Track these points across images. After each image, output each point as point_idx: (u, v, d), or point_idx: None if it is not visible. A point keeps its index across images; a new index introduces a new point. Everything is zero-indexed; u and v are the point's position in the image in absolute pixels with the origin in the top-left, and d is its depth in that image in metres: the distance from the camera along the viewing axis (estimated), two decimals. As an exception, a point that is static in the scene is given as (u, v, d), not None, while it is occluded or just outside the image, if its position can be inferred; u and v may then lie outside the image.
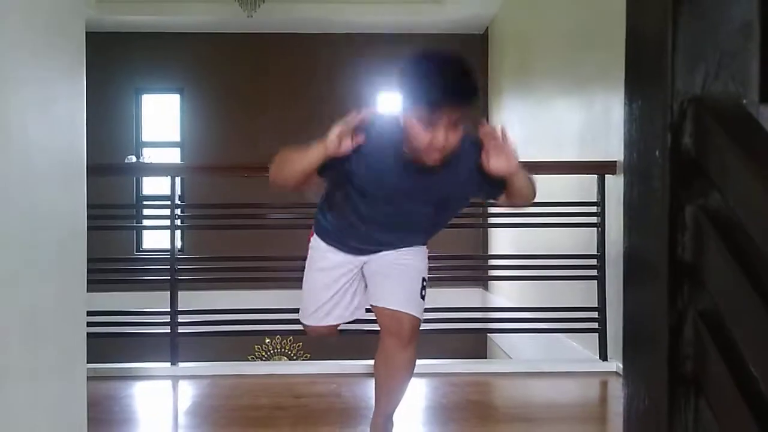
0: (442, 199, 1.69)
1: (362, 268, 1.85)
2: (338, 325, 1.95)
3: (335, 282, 1.84)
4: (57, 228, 1.40)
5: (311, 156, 1.55)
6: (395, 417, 1.95)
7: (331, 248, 1.82)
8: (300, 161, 1.58)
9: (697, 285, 0.53)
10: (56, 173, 1.39)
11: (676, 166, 0.54)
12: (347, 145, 1.53)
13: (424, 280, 1.80)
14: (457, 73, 1.46)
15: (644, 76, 0.60)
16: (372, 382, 2.56)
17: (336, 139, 1.51)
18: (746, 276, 0.48)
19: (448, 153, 1.52)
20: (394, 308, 1.74)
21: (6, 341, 1.20)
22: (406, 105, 1.49)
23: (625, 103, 0.63)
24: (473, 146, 1.58)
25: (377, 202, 1.66)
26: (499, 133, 1.53)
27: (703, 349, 0.53)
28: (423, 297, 1.79)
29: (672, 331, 0.53)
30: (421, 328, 2.85)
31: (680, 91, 0.55)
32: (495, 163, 1.54)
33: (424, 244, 1.86)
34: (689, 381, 0.54)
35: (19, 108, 1.24)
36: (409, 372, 1.81)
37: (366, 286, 1.87)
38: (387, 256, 1.79)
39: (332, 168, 1.59)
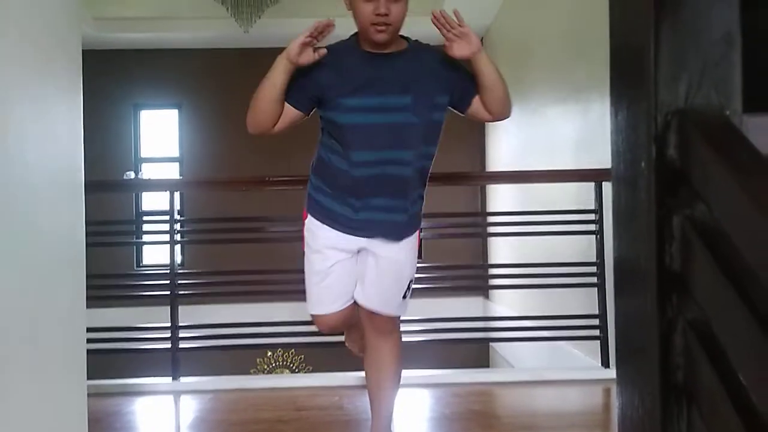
0: (414, 86, 1.68)
1: (357, 260, 1.79)
2: (347, 315, 1.85)
3: (333, 263, 1.75)
4: (56, 244, 1.40)
5: (276, 72, 1.60)
6: (396, 428, 1.94)
7: (324, 226, 1.75)
8: (267, 83, 1.61)
9: (686, 294, 0.54)
10: (54, 190, 1.40)
11: (662, 177, 0.54)
12: (309, 55, 1.59)
13: (411, 281, 1.82)
14: None
15: (628, 87, 0.60)
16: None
17: (297, 47, 1.56)
18: (733, 286, 0.49)
19: (395, 29, 1.63)
20: (376, 310, 1.78)
21: (6, 359, 1.20)
22: None
23: (611, 114, 0.63)
24: (430, 49, 1.73)
25: (358, 124, 1.66)
26: (453, 19, 1.63)
27: (693, 359, 0.53)
28: (405, 297, 1.81)
29: (662, 341, 0.53)
30: (423, 339, 2.86)
31: (664, 103, 0.55)
32: (458, 48, 1.64)
33: (415, 226, 1.80)
34: (681, 390, 0.54)
35: (17, 125, 1.25)
36: (396, 363, 1.84)
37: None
38: (379, 253, 1.74)
39: (299, 90, 1.64)
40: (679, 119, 0.55)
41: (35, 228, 1.31)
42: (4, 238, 1.19)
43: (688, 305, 0.53)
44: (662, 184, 0.54)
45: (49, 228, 1.38)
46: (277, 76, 1.60)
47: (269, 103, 1.63)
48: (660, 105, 0.55)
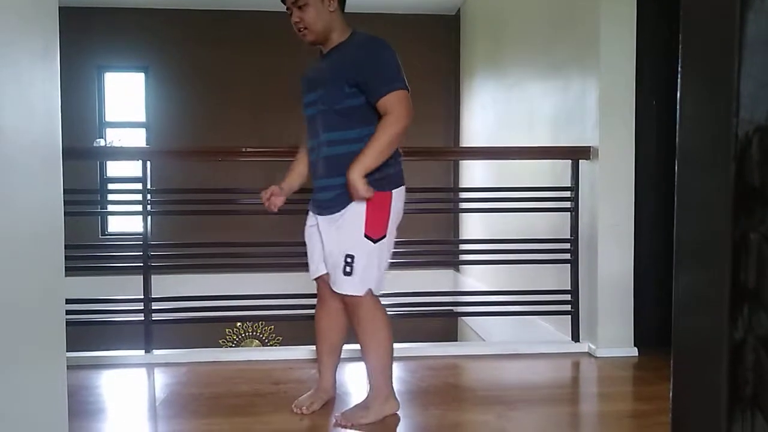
0: (322, 82, 1.94)
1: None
2: None
3: None
4: (35, 215, 1.35)
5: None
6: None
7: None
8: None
9: (757, 311, 0.53)
10: (32, 159, 1.33)
11: (740, 195, 0.53)
12: None
13: (348, 257, 1.91)
14: None
15: (704, 104, 0.58)
16: (353, 366, 2.56)
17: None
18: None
19: (314, 31, 1.92)
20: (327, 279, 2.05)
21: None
22: None
23: (680, 127, 0.61)
24: (353, 42, 1.92)
25: (305, 116, 2.02)
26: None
27: (764, 375, 0.53)
28: (346, 273, 1.92)
29: (732, 355, 0.53)
30: (394, 312, 2.90)
31: (745, 120, 0.54)
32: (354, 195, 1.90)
33: (339, 205, 1.95)
34: (748, 402, 0.54)
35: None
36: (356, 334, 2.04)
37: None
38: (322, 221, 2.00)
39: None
40: (760, 137, 0.53)
41: (14, 197, 1.25)
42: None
43: (761, 321, 0.53)
44: (739, 201, 0.53)
45: (28, 196, 1.32)
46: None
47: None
48: (741, 122, 0.53)
